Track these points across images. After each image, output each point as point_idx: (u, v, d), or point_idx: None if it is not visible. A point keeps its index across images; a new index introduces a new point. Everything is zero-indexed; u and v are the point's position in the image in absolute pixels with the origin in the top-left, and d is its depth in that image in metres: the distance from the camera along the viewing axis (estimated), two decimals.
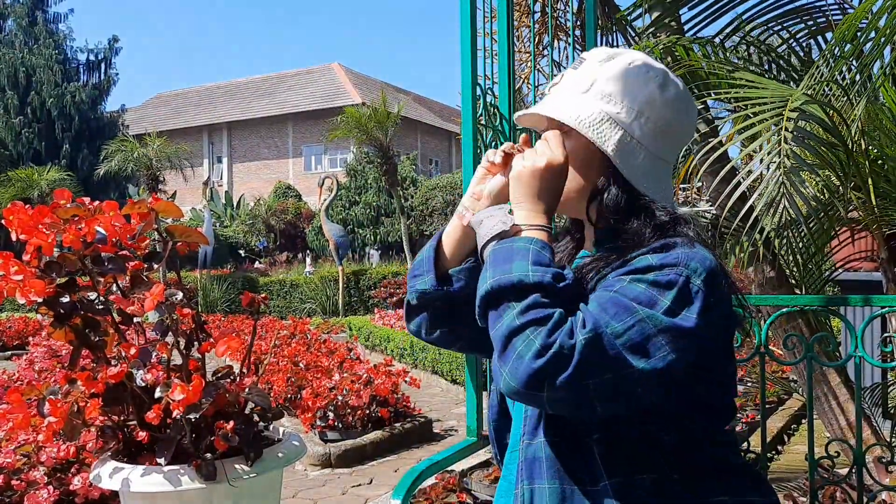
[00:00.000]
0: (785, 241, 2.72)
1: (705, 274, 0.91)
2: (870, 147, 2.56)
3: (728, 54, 2.78)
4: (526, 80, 2.82)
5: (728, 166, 2.13)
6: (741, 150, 2.27)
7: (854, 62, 2.42)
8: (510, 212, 1.00)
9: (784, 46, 3.07)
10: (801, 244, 2.86)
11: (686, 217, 1.00)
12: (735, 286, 1.00)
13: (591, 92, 1.02)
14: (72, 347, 1.11)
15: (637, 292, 0.89)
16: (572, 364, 0.82)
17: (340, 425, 5.03)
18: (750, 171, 2.13)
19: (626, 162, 1.00)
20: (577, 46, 2.72)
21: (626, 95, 1.01)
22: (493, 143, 2.52)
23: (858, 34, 2.24)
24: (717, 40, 2.92)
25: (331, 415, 5.01)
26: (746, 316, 1.11)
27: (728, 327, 0.99)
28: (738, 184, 2.03)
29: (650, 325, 0.87)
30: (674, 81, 1.04)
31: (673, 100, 1.03)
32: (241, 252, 22.91)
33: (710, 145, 2.44)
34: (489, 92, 2.48)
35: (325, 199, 16.28)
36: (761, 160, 1.93)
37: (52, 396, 1.06)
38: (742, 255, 2.62)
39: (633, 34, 3.16)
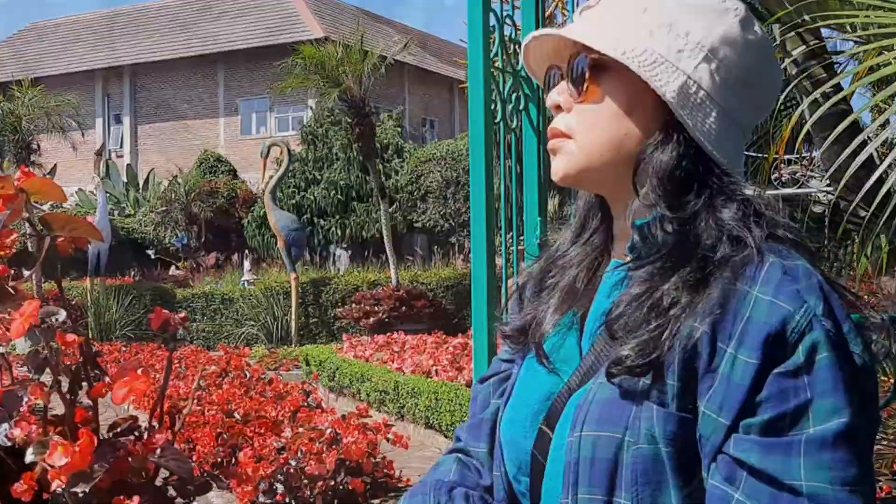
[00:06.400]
0: None
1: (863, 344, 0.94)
2: None
3: None
4: (560, 4, 2.82)
5: (849, 119, 2.13)
6: (871, 101, 2.27)
7: None
8: None
9: None
10: None
11: (770, 218, 0.99)
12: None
13: (641, 20, 1.02)
14: None
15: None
16: None
17: (293, 503, 5.04)
18: (883, 128, 2.13)
19: (693, 119, 1.00)
20: None
21: (694, 28, 1.01)
22: (514, 97, 2.51)
23: None
24: None
25: (280, 487, 5.02)
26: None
27: None
28: (866, 147, 2.03)
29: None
30: (756, 21, 1.06)
31: (758, 42, 1.04)
32: (150, 253, 22.97)
33: (823, 94, 2.44)
34: (508, 20, 2.48)
35: (270, 177, 16.32)
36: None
37: None
38: (876, 256, 2.62)
39: None
